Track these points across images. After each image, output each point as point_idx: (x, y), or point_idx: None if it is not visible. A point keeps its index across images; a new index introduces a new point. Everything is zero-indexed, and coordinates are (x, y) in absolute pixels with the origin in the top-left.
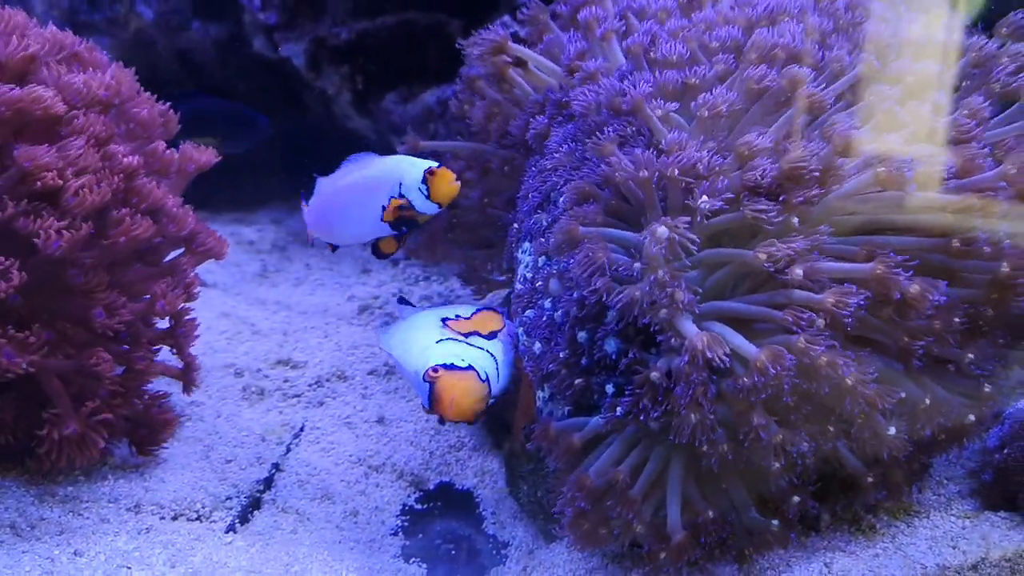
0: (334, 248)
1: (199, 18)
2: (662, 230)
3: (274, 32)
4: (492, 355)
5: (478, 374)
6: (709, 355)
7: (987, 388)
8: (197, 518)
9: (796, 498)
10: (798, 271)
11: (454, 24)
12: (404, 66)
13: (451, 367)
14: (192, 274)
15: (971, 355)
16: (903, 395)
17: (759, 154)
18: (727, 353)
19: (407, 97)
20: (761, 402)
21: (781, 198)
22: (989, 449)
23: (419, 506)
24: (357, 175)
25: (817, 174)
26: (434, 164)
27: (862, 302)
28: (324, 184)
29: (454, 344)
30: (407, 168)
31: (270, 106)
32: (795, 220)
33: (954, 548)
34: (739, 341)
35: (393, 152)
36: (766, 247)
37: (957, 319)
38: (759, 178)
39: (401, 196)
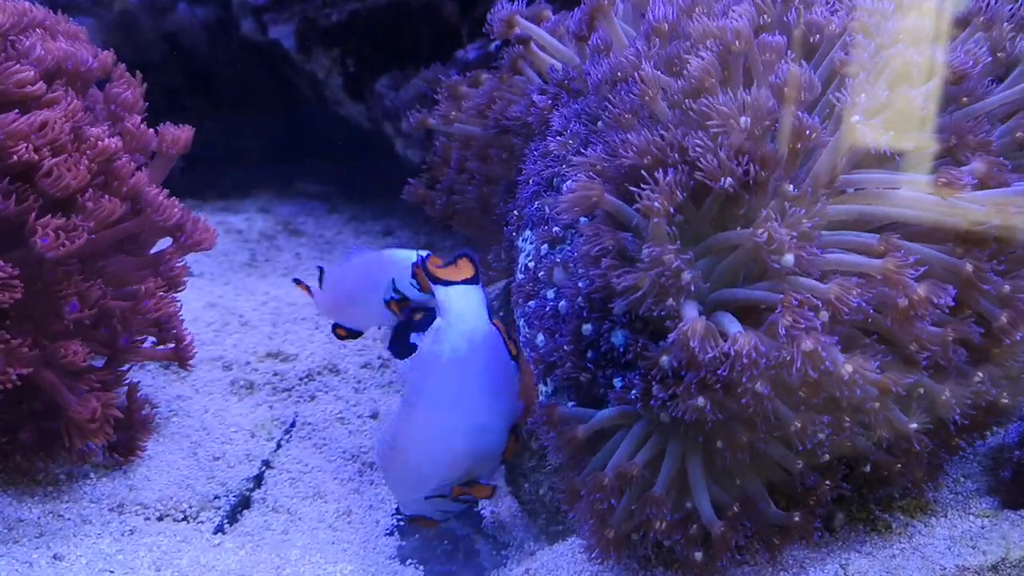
0: (348, 335)
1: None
2: (657, 205)
3: (263, 14)
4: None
5: None
6: (694, 344)
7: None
8: (184, 519)
9: (827, 483)
10: (788, 258)
11: (448, 6)
12: (396, 49)
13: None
14: (179, 266)
15: (980, 374)
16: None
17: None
18: (715, 346)
19: (400, 81)
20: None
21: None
22: (1008, 445)
23: None
24: (361, 270)
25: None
26: (421, 254)
27: (863, 302)
28: (331, 274)
29: (443, 503)
30: (396, 266)
31: (260, 92)
32: (790, 187)
33: (973, 548)
34: (733, 327)
35: (389, 143)
36: (765, 225)
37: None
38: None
39: (396, 293)
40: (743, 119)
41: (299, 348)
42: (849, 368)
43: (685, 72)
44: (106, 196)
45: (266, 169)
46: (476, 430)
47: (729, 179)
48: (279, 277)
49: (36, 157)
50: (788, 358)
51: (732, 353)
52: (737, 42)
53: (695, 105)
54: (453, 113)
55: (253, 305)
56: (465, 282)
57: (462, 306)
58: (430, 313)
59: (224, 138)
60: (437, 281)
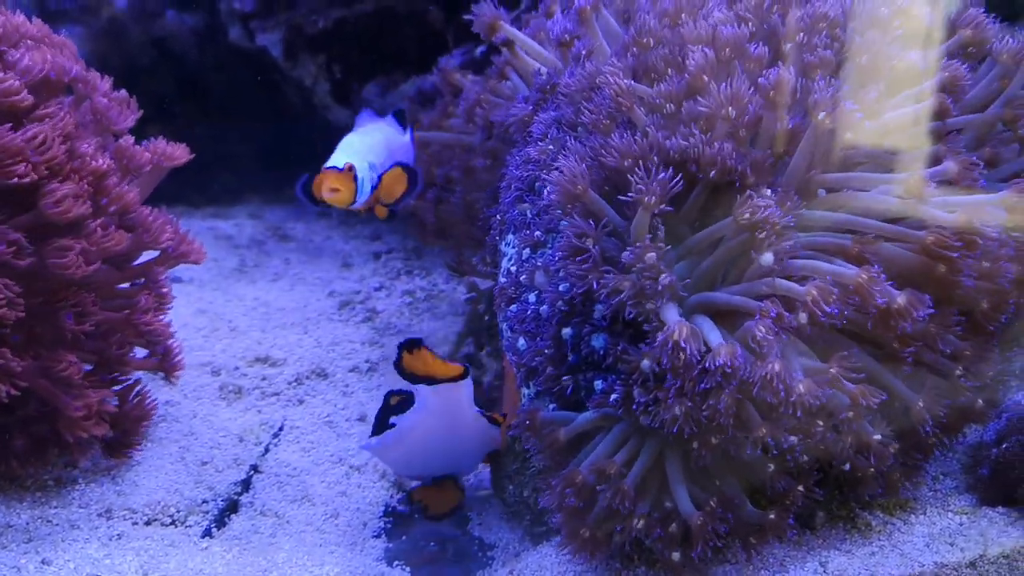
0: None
1: (174, 6)
2: (650, 199)
3: (250, 21)
4: None
5: None
6: (684, 346)
7: (979, 404)
8: (171, 523)
9: (800, 488)
10: (768, 256)
11: (433, 11)
12: (383, 54)
13: None
14: (166, 285)
15: (961, 369)
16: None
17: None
18: (700, 349)
19: (387, 86)
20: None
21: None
22: (986, 443)
23: (402, 507)
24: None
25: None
26: (337, 165)
27: (839, 308)
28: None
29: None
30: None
31: (249, 97)
32: (768, 191)
33: (952, 545)
34: (714, 336)
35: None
36: (745, 204)
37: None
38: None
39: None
40: (730, 109)
41: (287, 353)
42: (801, 389)
43: (668, 74)
44: (114, 227)
45: (256, 174)
46: (449, 463)
47: (719, 168)
48: (268, 282)
49: (35, 176)
50: (751, 379)
51: (712, 368)
52: (725, 50)
53: (686, 103)
54: (445, 123)
55: (242, 310)
56: (453, 380)
57: (444, 405)
58: (408, 398)
59: (213, 143)
60: (418, 380)
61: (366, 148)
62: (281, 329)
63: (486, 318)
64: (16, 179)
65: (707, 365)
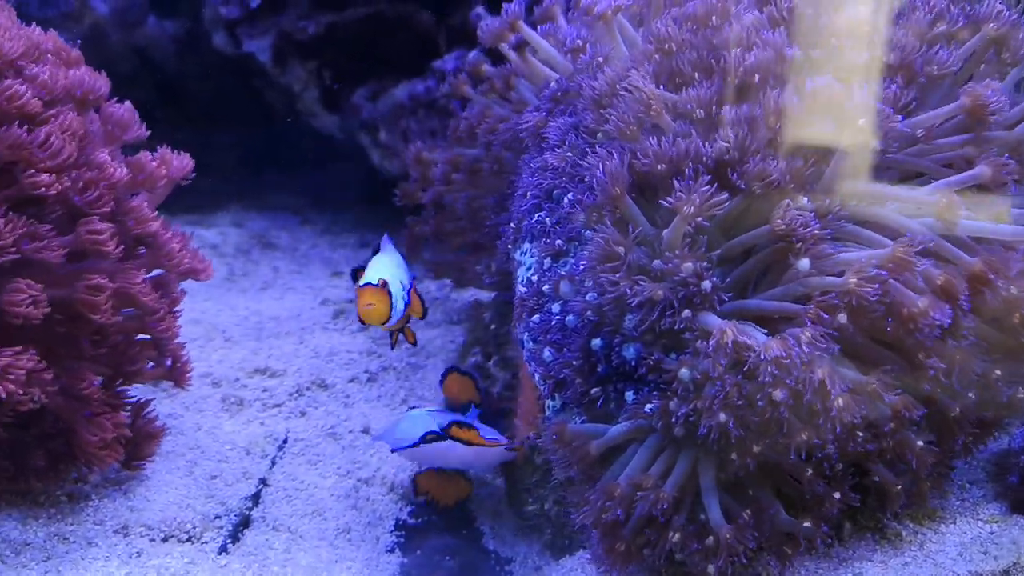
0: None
1: (156, 13)
2: (688, 209)
3: (236, 27)
4: None
5: None
6: (741, 339)
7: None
8: (188, 539)
9: (836, 495)
10: (804, 262)
11: (424, 16)
12: (373, 60)
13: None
14: (176, 289)
15: (999, 371)
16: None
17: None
18: (754, 343)
19: (377, 92)
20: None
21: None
22: (1014, 451)
23: (413, 520)
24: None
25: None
26: (372, 281)
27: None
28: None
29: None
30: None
31: (231, 104)
32: (804, 200)
33: (985, 554)
34: (759, 337)
35: (361, 154)
36: (783, 214)
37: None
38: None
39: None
40: (773, 118)
41: (286, 364)
42: (840, 403)
43: (695, 79)
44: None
45: (237, 181)
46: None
47: (765, 183)
48: (258, 291)
49: (60, 186)
50: (802, 386)
51: (766, 359)
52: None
53: (732, 107)
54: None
55: (235, 320)
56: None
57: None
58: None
59: (196, 149)
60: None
61: (395, 267)
62: (276, 339)
63: (492, 327)
64: (43, 189)
65: (761, 357)
